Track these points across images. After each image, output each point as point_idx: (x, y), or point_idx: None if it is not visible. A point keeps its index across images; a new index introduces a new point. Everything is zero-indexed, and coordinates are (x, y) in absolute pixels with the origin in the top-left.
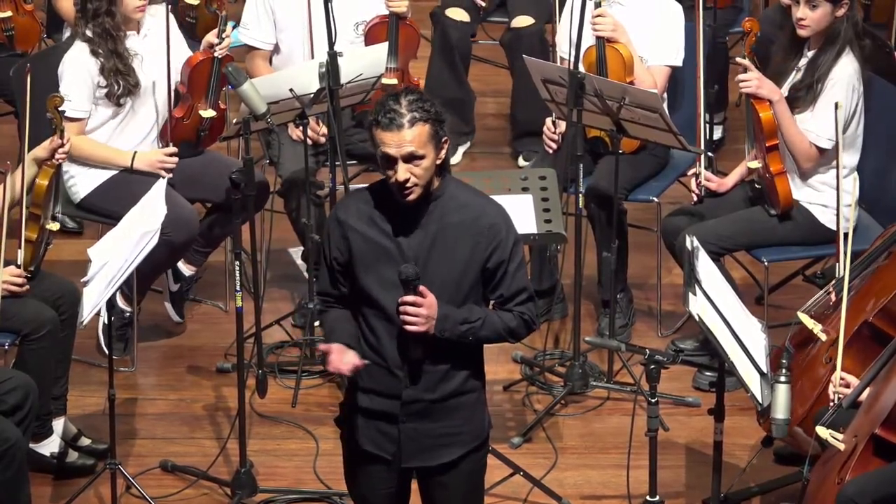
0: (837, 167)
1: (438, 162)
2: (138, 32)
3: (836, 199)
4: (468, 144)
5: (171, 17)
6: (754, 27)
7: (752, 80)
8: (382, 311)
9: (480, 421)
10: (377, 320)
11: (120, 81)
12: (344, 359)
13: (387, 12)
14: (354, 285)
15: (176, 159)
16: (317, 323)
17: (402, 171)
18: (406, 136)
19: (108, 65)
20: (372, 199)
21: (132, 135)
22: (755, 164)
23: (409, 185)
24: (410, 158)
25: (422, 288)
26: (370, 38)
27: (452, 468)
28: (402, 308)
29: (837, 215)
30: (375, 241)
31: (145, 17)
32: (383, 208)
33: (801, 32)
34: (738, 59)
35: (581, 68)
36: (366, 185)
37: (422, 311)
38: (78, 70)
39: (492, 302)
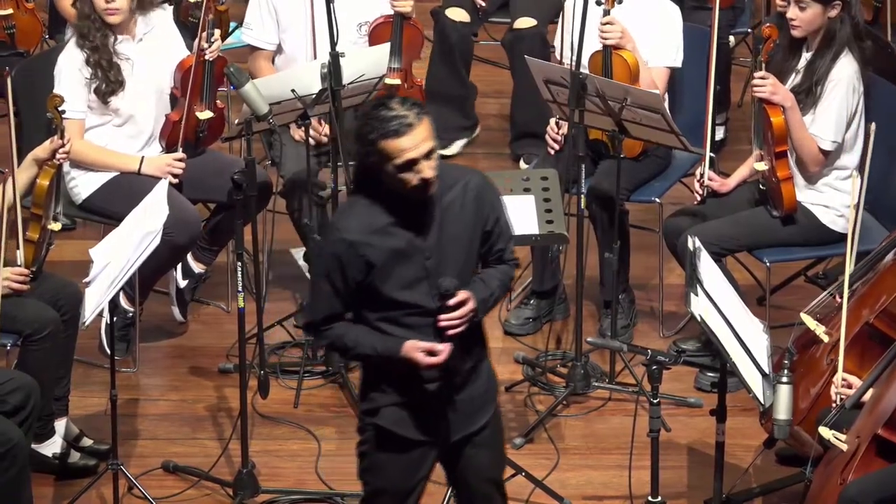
0: (862, 182)
1: None
2: (133, 37)
3: (849, 206)
4: (472, 137)
5: (170, 21)
6: (773, 34)
7: (766, 86)
8: (413, 306)
9: (495, 377)
10: (410, 317)
11: (102, 78)
12: (427, 353)
13: (390, 12)
14: (376, 298)
15: (184, 164)
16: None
17: (429, 168)
18: (421, 134)
19: (92, 57)
20: (363, 212)
21: (129, 139)
22: (762, 166)
23: (432, 180)
24: (430, 153)
25: (460, 294)
26: (374, 38)
27: (487, 427)
28: (445, 324)
29: (854, 221)
30: (388, 247)
31: (139, 22)
32: (381, 216)
33: (794, 33)
34: (756, 75)
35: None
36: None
37: (465, 309)
38: (71, 69)
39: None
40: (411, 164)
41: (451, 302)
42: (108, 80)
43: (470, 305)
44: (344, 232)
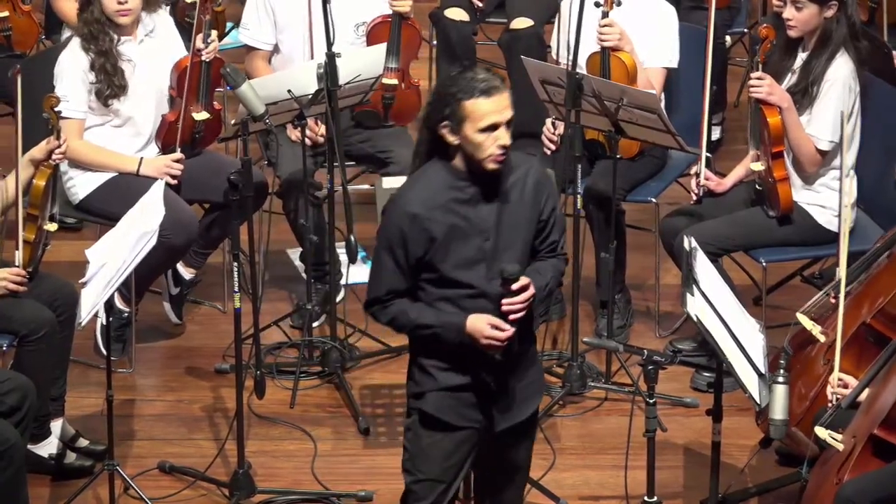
0: (841, 177)
1: None
2: (135, 38)
3: (839, 205)
4: None
5: (171, 20)
6: (770, 34)
7: (763, 86)
8: (469, 286)
9: (542, 369)
10: (466, 299)
11: (106, 81)
12: (493, 328)
13: (389, 12)
14: (434, 276)
15: (182, 166)
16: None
17: (506, 137)
18: (505, 100)
19: (97, 61)
20: (427, 187)
21: (129, 140)
22: (758, 166)
23: (508, 148)
24: (510, 123)
25: (522, 280)
26: (372, 37)
27: (531, 420)
28: (507, 308)
29: (839, 218)
30: (449, 223)
31: (141, 23)
32: (444, 192)
33: (790, 33)
34: (753, 75)
35: None
36: (361, 185)
37: (526, 294)
38: (74, 70)
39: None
40: (492, 129)
41: (515, 287)
42: (112, 85)
43: (531, 291)
44: (408, 205)
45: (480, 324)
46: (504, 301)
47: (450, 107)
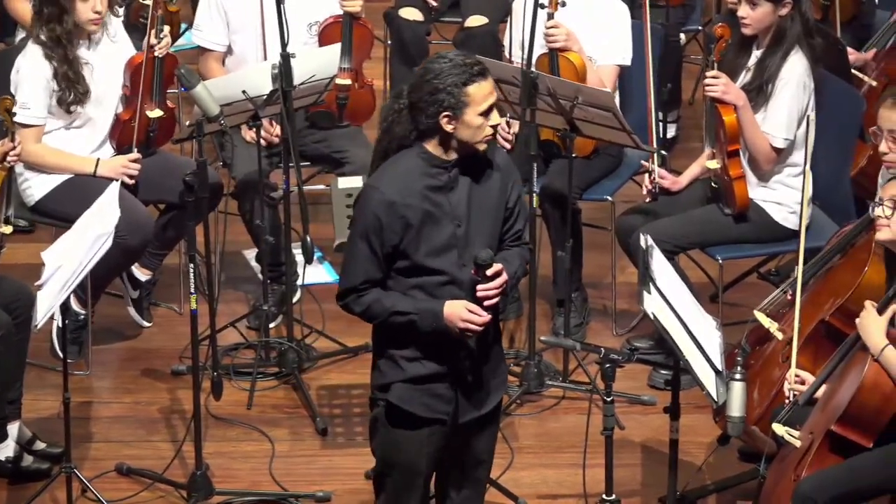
0: (804, 178)
1: None
2: (89, 40)
3: (801, 205)
4: None
5: (121, 23)
6: (725, 33)
7: (718, 85)
8: (441, 273)
9: (506, 362)
10: (438, 287)
11: (69, 89)
12: (470, 312)
13: (340, 12)
14: (406, 264)
15: (139, 166)
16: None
17: (496, 114)
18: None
19: (60, 70)
20: (402, 174)
21: (85, 141)
22: (714, 164)
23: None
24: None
25: (496, 266)
26: (324, 38)
27: (495, 411)
28: (483, 294)
29: (801, 217)
30: (424, 210)
31: (104, 28)
32: (419, 180)
33: (745, 31)
34: (708, 74)
35: None
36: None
37: (500, 280)
38: (36, 77)
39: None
40: (490, 111)
41: (489, 272)
42: (76, 92)
43: (504, 277)
44: (385, 193)
45: (458, 308)
46: (479, 287)
47: (451, 96)
